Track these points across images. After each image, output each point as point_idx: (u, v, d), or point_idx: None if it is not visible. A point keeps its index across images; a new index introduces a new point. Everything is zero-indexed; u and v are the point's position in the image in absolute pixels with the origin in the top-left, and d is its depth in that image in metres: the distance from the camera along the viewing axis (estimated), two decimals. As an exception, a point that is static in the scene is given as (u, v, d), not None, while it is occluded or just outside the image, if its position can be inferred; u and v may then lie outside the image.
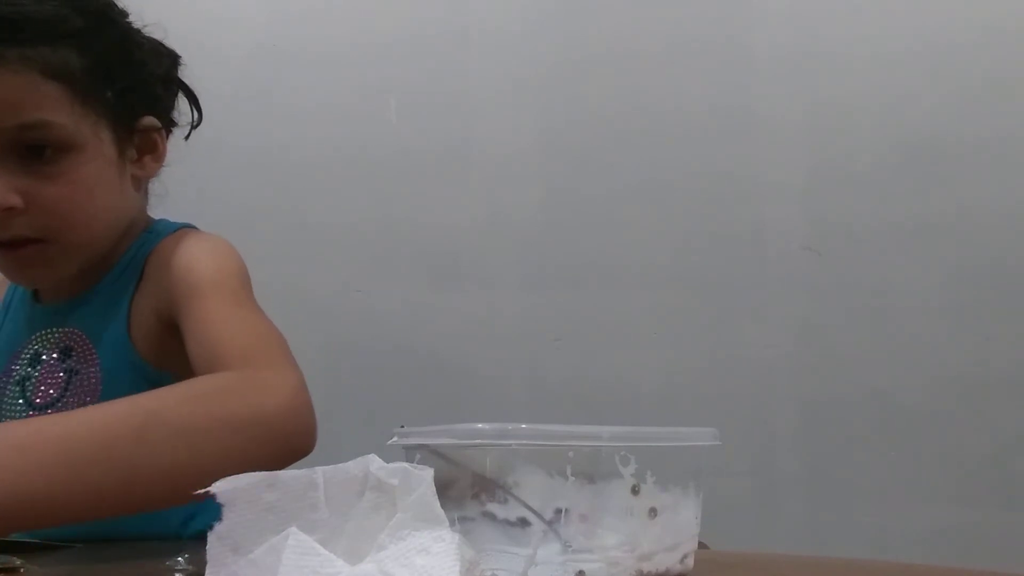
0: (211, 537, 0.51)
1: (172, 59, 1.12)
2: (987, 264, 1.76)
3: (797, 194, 1.83)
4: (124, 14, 1.05)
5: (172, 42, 1.10)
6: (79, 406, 1.00)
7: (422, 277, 1.89)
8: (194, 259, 1.00)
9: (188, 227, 1.12)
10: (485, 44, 1.92)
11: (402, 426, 0.64)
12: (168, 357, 0.99)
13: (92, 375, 1.01)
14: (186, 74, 1.16)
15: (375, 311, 1.89)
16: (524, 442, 0.58)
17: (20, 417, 1.04)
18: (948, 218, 1.77)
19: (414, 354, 1.87)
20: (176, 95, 1.14)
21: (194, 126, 1.15)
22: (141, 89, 1.05)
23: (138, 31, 1.07)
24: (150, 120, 1.06)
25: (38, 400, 1.03)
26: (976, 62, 1.79)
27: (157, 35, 1.11)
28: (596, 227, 1.87)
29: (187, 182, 1.90)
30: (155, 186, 1.17)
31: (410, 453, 0.62)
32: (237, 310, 0.94)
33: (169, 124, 1.12)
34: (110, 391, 1.00)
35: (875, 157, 1.81)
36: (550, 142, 1.90)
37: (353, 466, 0.55)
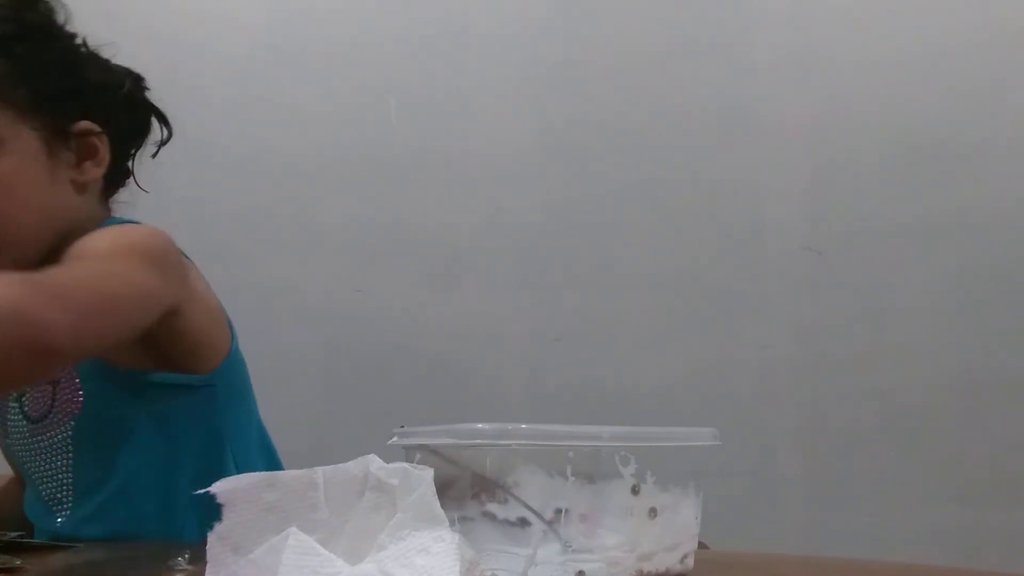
0: (211, 537, 0.51)
1: (134, 79, 1.12)
2: (987, 264, 1.76)
3: (798, 194, 1.83)
4: (70, 35, 1.06)
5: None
6: (67, 414, 1.02)
7: (422, 277, 1.89)
8: (93, 237, 0.98)
9: (130, 222, 1.10)
10: (485, 45, 1.92)
11: (402, 426, 0.64)
12: (118, 351, 0.99)
13: (73, 382, 1.03)
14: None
15: (375, 311, 1.89)
16: (524, 442, 0.58)
17: (23, 432, 1.05)
18: (948, 219, 1.77)
19: (414, 354, 1.87)
20: (147, 113, 1.14)
21: (164, 142, 1.15)
22: (75, 95, 1.04)
23: (76, 44, 1.07)
24: (86, 124, 1.05)
25: (34, 413, 1.05)
26: (976, 63, 1.79)
27: (119, 55, 1.11)
28: (596, 227, 1.87)
29: (187, 183, 1.91)
30: (122, 194, 1.16)
31: (410, 453, 0.62)
32: (94, 263, 0.90)
33: (117, 132, 1.10)
34: (89, 394, 1.01)
35: (875, 158, 1.81)
36: (550, 143, 1.90)
37: (353, 466, 0.55)
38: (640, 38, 1.89)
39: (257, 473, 0.52)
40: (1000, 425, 1.72)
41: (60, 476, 1.03)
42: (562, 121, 1.90)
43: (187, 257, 1.08)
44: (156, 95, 1.16)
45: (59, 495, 1.04)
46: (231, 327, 1.09)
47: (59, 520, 1.03)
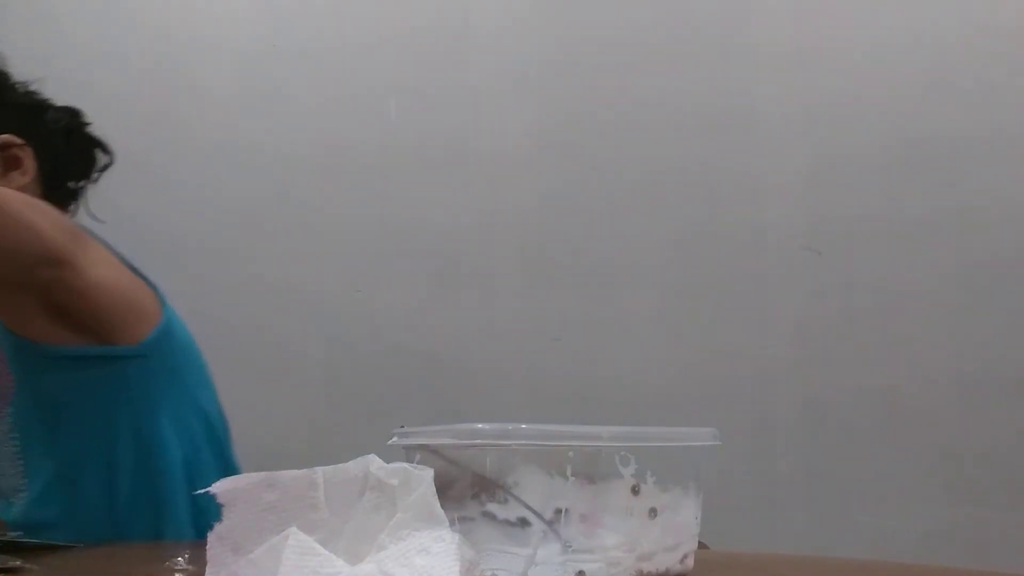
0: (211, 537, 0.51)
1: (72, 114, 1.18)
2: (987, 264, 1.76)
3: (798, 194, 1.83)
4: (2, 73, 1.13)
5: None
6: (5, 400, 1.05)
7: (422, 277, 1.89)
8: None
9: None
10: (485, 44, 1.92)
11: (402, 426, 0.64)
12: (25, 323, 1.02)
13: (4, 369, 1.05)
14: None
15: (375, 311, 1.89)
16: (524, 442, 0.58)
17: None
18: (948, 218, 1.77)
19: (414, 354, 1.87)
20: (88, 145, 1.19)
21: (105, 167, 1.20)
22: None
23: (6, 79, 1.13)
24: (6, 137, 1.09)
25: None
26: (977, 63, 1.79)
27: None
28: (596, 227, 1.87)
29: (188, 181, 1.91)
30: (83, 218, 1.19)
31: (410, 453, 0.62)
32: None
33: (49, 152, 1.14)
34: (18, 375, 1.04)
35: (875, 158, 1.81)
36: (549, 142, 1.90)
37: (353, 466, 0.55)
38: (640, 39, 1.89)
39: (257, 473, 0.52)
40: (1000, 424, 1.72)
41: (15, 463, 1.06)
42: (562, 120, 1.90)
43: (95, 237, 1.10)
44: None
45: (15, 483, 1.06)
46: (163, 301, 1.10)
47: (13, 507, 1.05)
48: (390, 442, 0.64)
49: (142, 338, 1.05)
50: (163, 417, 1.06)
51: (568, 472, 0.59)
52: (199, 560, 0.53)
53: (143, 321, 1.06)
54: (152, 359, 1.06)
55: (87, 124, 1.19)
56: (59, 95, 1.14)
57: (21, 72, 1.13)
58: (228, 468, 1.14)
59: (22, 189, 1.09)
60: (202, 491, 0.51)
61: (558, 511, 0.58)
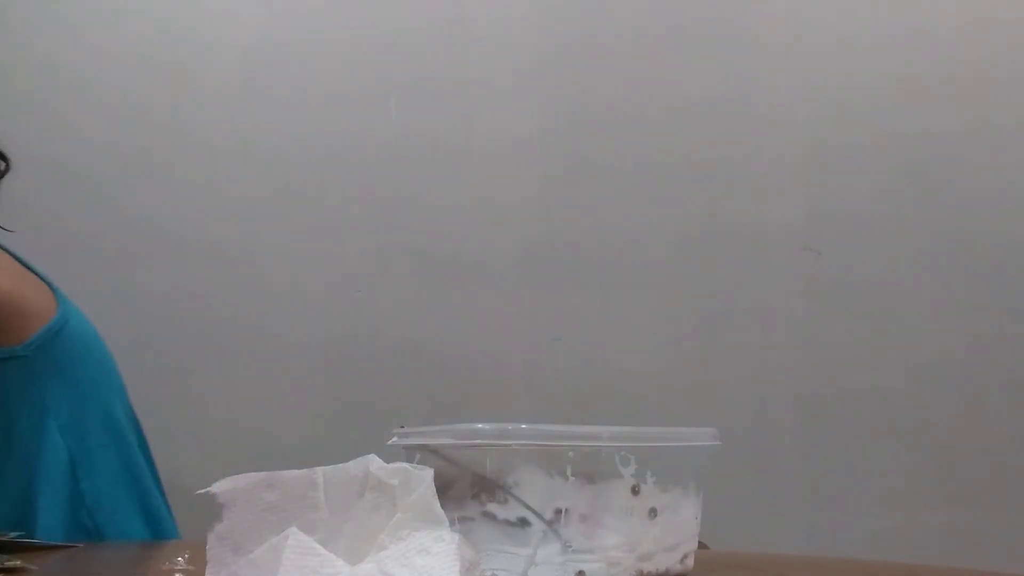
0: (211, 537, 0.51)
1: None
2: (986, 264, 1.76)
3: (798, 194, 1.83)
4: None
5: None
6: None
7: (422, 277, 1.89)
8: None
9: None
10: (485, 38, 1.92)
11: (402, 426, 0.64)
12: None
13: None
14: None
15: (375, 311, 1.89)
16: (524, 442, 0.58)
17: None
18: (948, 218, 1.77)
19: (414, 354, 1.87)
20: None
21: (2, 174, 1.17)
22: None
23: None
24: None
25: None
26: (978, 63, 1.79)
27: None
28: (596, 226, 1.87)
29: (186, 180, 1.91)
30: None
31: (410, 453, 0.62)
32: None
33: None
34: None
35: (876, 158, 1.81)
36: (549, 142, 1.89)
37: (353, 466, 0.55)
38: (639, 37, 1.89)
39: (257, 473, 0.52)
40: (1000, 425, 1.72)
41: None
42: (562, 119, 1.89)
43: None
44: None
45: None
46: (60, 301, 1.10)
47: None
48: (390, 442, 0.64)
49: (25, 338, 1.04)
50: (49, 418, 1.05)
51: (568, 472, 0.59)
52: (199, 560, 0.53)
53: (28, 321, 1.06)
54: (37, 359, 1.05)
55: None
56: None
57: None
58: (133, 469, 1.13)
59: None
60: (202, 491, 0.51)
61: (558, 511, 0.58)
